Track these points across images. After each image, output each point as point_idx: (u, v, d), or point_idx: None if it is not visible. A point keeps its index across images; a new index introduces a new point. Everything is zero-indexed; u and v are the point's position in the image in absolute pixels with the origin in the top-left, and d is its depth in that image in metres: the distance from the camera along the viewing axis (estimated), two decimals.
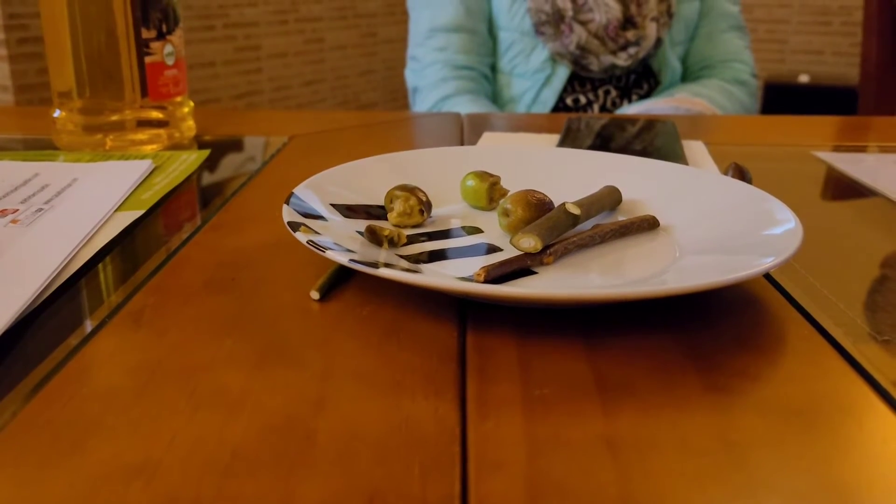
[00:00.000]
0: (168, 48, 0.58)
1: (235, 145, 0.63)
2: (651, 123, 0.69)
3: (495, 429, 0.25)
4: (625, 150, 0.59)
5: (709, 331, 0.31)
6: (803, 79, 2.97)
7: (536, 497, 0.22)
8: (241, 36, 2.54)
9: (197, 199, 0.49)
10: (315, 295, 0.34)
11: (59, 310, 0.33)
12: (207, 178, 0.53)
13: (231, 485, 0.22)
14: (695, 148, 0.63)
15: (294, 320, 0.32)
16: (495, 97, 1.21)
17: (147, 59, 0.57)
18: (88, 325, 0.31)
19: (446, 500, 0.21)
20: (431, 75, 1.17)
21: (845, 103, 2.58)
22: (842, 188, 0.54)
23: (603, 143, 0.62)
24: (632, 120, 0.71)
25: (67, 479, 0.22)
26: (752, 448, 0.24)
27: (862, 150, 0.65)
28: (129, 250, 0.40)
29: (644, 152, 0.58)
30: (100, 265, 0.38)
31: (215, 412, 0.25)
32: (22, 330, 0.31)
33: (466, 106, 1.12)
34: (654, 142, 0.63)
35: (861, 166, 0.58)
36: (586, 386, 0.27)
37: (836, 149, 0.64)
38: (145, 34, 0.56)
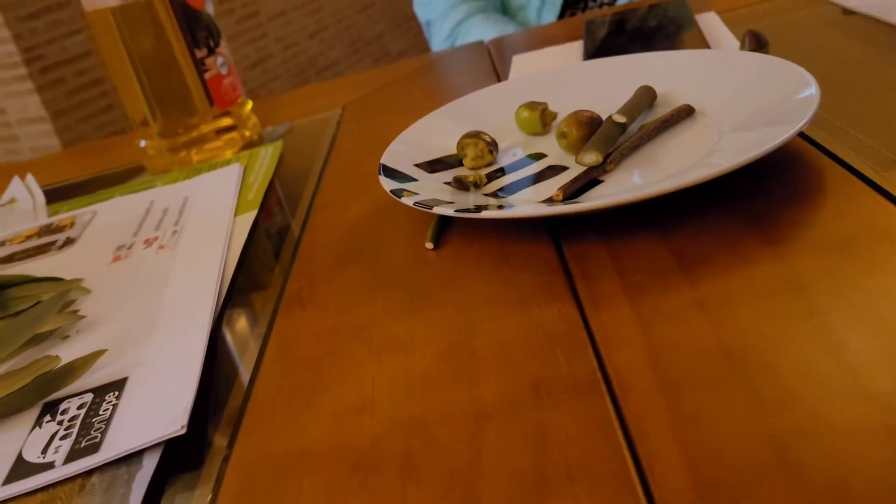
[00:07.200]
0: (220, 60, 0.64)
1: (300, 129, 0.69)
2: (656, 7, 0.73)
3: (609, 315, 0.32)
4: (638, 36, 0.64)
5: (760, 194, 0.37)
6: None
7: (657, 357, 0.29)
8: (238, 7, 2.57)
9: (293, 187, 0.56)
10: (429, 245, 0.41)
11: (236, 309, 0.41)
12: (291, 166, 0.60)
13: (429, 402, 0.30)
14: (709, 20, 0.67)
15: (422, 269, 0.39)
16: (505, 9, 1.24)
17: (206, 76, 0.63)
18: (266, 313, 0.39)
19: (590, 373, 0.29)
20: (440, 5, 1.21)
21: None
22: (856, 25, 0.58)
23: (617, 36, 0.67)
24: (637, 9, 0.74)
25: (314, 424, 0.30)
26: (810, 283, 0.30)
27: None
28: (262, 246, 0.48)
29: (654, 38, 0.63)
30: (246, 265, 0.46)
31: (395, 355, 0.33)
32: (214, 336, 0.39)
33: (481, 25, 1.16)
34: (663, 26, 0.67)
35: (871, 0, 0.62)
36: (670, 266, 0.34)
37: None
38: (198, 54, 0.63)
